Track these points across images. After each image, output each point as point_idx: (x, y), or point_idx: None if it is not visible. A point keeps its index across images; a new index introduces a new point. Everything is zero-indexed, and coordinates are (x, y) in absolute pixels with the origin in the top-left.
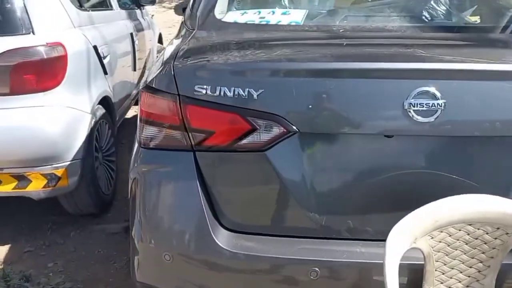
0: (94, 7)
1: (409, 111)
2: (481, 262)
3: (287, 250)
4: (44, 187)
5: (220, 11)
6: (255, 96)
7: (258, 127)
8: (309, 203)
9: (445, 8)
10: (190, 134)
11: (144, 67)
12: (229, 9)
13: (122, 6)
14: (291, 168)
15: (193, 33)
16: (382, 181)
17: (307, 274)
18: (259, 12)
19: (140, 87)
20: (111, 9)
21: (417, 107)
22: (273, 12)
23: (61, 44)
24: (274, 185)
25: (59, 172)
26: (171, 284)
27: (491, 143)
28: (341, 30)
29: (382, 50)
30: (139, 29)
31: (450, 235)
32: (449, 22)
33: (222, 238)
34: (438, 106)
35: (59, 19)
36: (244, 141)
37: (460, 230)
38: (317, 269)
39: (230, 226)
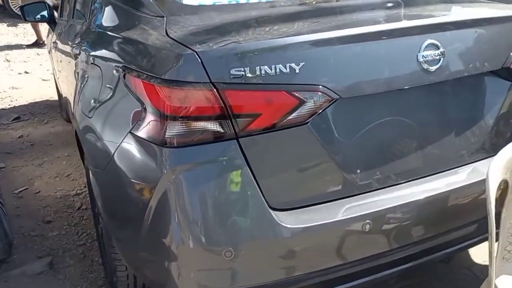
0: None
1: (422, 63)
2: None
3: (339, 212)
4: None
5: None
6: (297, 70)
7: (305, 100)
8: (351, 162)
9: None
10: (233, 121)
11: None
12: None
13: None
14: (332, 133)
15: (165, 20)
16: (410, 127)
17: (362, 227)
18: None
19: (150, 81)
20: None
21: (427, 57)
22: None
23: None
24: (318, 154)
25: None
26: (232, 281)
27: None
28: (315, 2)
29: (382, 13)
30: None
31: None
32: None
33: (282, 217)
34: (441, 55)
35: None
36: (290, 117)
37: None
38: (369, 221)
39: (284, 206)
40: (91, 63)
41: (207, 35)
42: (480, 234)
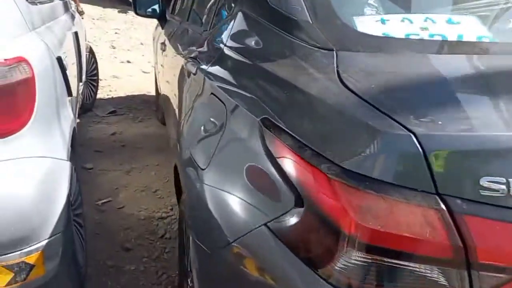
0: None
1: None
2: None
3: None
4: (8, 284)
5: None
6: None
7: None
8: None
9: None
10: (472, 275)
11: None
12: (347, 13)
13: None
14: None
15: (336, 58)
16: None
17: None
18: (410, 21)
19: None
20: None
21: None
22: (433, 20)
23: (25, 60)
24: None
25: (32, 259)
26: None
27: None
28: None
29: None
30: (76, 26)
31: None
32: None
33: None
34: None
35: (11, 19)
36: None
37: None
38: None
39: None
40: (211, 94)
41: (420, 100)
42: None
